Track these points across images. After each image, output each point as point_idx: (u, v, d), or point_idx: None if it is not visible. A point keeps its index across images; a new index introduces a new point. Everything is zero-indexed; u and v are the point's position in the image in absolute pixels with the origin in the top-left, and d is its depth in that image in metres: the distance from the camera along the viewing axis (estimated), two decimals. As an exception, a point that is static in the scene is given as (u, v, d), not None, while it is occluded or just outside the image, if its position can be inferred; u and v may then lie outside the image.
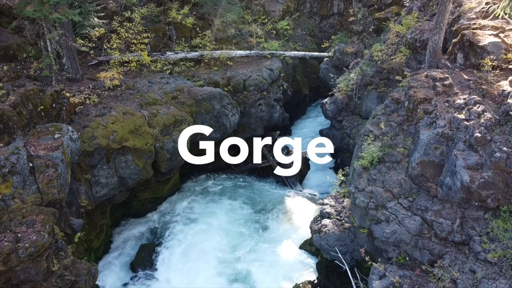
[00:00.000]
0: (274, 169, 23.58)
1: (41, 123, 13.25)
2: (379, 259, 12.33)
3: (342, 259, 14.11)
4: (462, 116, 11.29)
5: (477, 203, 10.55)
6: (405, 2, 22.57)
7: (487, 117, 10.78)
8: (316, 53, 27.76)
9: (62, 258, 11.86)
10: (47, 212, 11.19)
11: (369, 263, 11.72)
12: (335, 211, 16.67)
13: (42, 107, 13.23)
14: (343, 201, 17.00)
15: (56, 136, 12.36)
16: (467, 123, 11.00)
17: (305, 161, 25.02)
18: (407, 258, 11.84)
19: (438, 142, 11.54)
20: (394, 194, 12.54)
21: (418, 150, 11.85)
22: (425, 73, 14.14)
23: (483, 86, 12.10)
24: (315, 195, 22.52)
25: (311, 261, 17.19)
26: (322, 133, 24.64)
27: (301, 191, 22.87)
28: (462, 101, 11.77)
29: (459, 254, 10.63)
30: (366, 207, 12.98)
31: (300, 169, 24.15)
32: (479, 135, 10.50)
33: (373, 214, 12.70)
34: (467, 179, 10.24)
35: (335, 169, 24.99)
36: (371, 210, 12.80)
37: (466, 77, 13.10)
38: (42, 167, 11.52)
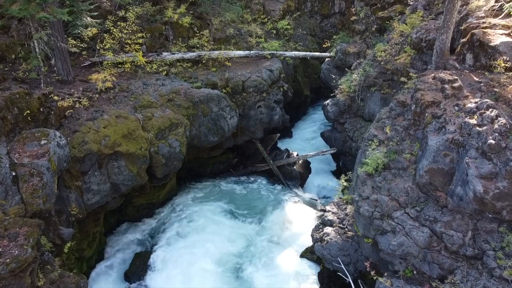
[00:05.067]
0: (274, 173, 22.97)
1: (28, 128, 12.55)
2: (385, 274, 11.63)
3: (345, 271, 13.38)
4: (473, 121, 10.58)
5: (490, 215, 9.84)
6: (409, 1, 21.87)
7: (501, 122, 10.06)
8: (317, 53, 27.03)
9: (48, 272, 11.17)
10: (31, 223, 10.48)
11: (375, 278, 11.03)
12: (338, 218, 16.01)
13: (28, 111, 12.52)
14: (345, 208, 16.33)
15: (43, 142, 11.67)
16: (480, 129, 10.29)
17: (306, 164, 24.38)
18: (415, 272, 11.14)
19: (448, 148, 10.84)
20: (401, 203, 11.85)
21: (426, 157, 11.14)
22: (432, 74, 13.44)
23: (495, 89, 11.39)
24: (316, 199, 21.82)
25: (313, 271, 16.47)
26: (323, 136, 24.00)
27: (302, 195, 22.17)
28: (473, 105, 11.06)
29: (472, 270, 9.94)
30: (370, 216, 12.29)
31: (301, 172, 23.56)
32: (493, 141, 9.79)
33: (378, 224, 12.00)
34: (480, 189, 9.53)
35: (337, 172, 24.33)
36: (376, 220, 12.10)
37: (477, 79, 12.40)
38: (26, 175, 10.83)
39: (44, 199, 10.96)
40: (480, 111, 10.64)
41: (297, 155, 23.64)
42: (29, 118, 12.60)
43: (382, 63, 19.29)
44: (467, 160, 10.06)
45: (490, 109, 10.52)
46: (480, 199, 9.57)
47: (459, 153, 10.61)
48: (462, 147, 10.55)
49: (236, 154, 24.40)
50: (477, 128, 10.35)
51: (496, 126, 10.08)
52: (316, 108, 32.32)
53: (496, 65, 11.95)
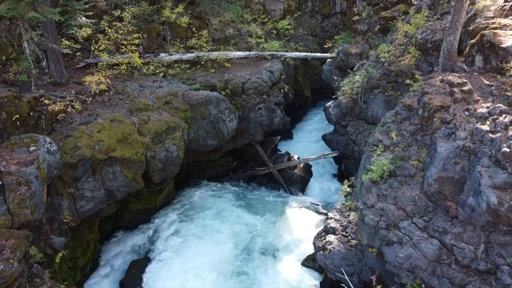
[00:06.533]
0: (274, 176, 22.42)
1: (17, 133, 11.98)
2: (392, 288, 11.08)
3: (349, 281, 12.86)
4: (486, 128, 10.00)
5: (505, 228, 9.28)
6: (413, 0, 21.34)
7: (516, 129, 9.50)
8: (318, 54, 26.49)
9: (37, 286, 10.65)
10: (19, 235, 9.95)
11: (381, 292, 10.47)
12: (341, 226, 15.46)
13: (17, 115, 11.95)
14: (349, 215, 15.79)
15: (32, 148, 11.10)
16: (492, 136, 9.71)
17: (307, 167, 23.83)
18: (423, 286, 10.58)
19: (459, 156, 10.27)
20: (408, 212, 11.28)
21: (435, 164, 10.57)
22: (440, 77, 12.86)
23: (507, 93, 10.82)
24: (318, 204, 21.24)
25: (315, 280, 15.88)
26: (325, 138, 23.45)
27: (303, 200, 21.61)
28: (485, 110, 10.49)
29: (485, 285, 9.37)
30: (376, 225, 11.73)
31: (302, 176, 23.01)
32: (507, 149, 9.21)
33: (384, 234, 11.45)
34: (495, 200, 8.96)
35: (339, 175, 23.82)
36: (382, 230, 11.54)
37: (487, 82, 11.83)
38: (13, 184, 10.27)
39: (32, 209, 10.39)
40: (493, 117, 10.06)
41: (298, 158, 23.11)
42: (18, 123, 12.04)
43: (385, 64, 18.75)
44: (479, 169, 9.49)
45: (504, 115, 9.95)
46: (494, 211, 9.00)
47: (471, 161, 10.05)
48: (474, 155, 9.99)
49: (235, 158, 23.87)
50: (490, 135, 9.78)
51: (510, 133, 9.50)
52: (317, 109, 31.83)
53: (509, 68, 11.40)
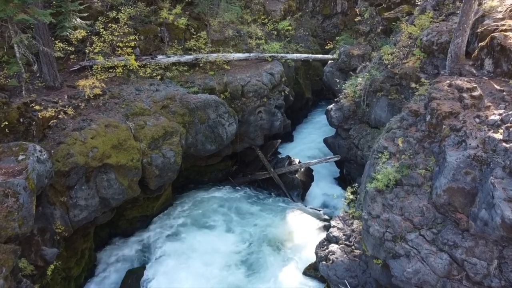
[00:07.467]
0: (274, 181, 21.90)
1: (6, 141, 11.46)
2: (400, 305, 10.55)
3: (353, 294, 12.37)
4: (499, 136, 9.47)
5: (520, 243, 8.77)
6: (416, 1, 20.80)
7: (532, 138, 8.98)
8: (319, 56, 25.97)
9: (26, 302, 10.13)
10: (5, 250, 9.43)
11: (388, 310, 9.96)
12: (344, 235, 14.91)
13: (6, 122, 11.43)
14: (352, 223, 15.24)
15: (20, 157, 10.57)
16: (506, 145, 9.18)
17: (308, 171, 23.31)
18: (432, 302, 10.06)
19: (470, 166, 9.74)
20: (415, 223, 10.76)
21: (444, 174, 10.04)
22: (448, 81, 12.34)
23: (521, 99, 10.32)
24: (319, 210, 20.72)
25: (317, 290, 15.41)
26: (326, 142, 22.96)
27: (304, 205, 21.09)
28: (497, 117, 9.97)
29: (498, 304, 8.86)
30: (381, 237, 11.22)
31: (303, 181, 22.49)
32: (523, 160, 8.70)
33: (390, 246, 10.93)
34: (510, 215, 8.42)
35: (340, 179, 23.34)
36: (388, 242, 11.02)
37: (498, 87, 11.31)
38: (0, 196, 9.75)
39: (20, 222, 9.86)
40: (507, 125, 9.53)
41: (299, 162, 22.56)
42: (7, 130, 11.52)
43: (389, 66, 18.24)
44: (492, 180, 8.96)
45: (518, 123, 9.43)
46: (510, 226, 8.46)
47: (483, 172, 9.52)
48: (486, 165, 9.46)
49: (235, 162, 23.33)
50: (504, 144, 9.25)
51: (525, 142, 8.99)
52: (318, 111, 31.33)
53: (522, 73, 10.90)
